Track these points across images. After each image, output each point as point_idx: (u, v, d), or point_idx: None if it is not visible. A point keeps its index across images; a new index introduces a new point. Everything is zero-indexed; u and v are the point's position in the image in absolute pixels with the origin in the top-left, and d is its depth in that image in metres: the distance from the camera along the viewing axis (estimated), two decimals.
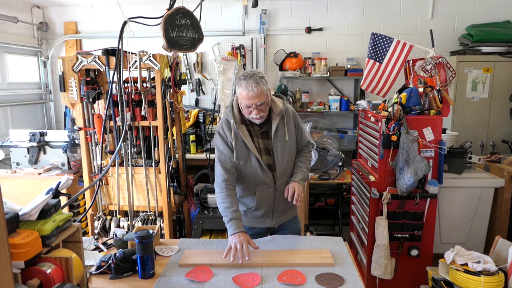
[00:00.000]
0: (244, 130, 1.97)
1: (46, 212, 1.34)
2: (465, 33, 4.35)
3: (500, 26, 4.20)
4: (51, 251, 1.35)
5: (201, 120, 3.91)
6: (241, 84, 1.88)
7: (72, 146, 3.12)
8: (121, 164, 2.84)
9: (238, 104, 1.98)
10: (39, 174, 3.06)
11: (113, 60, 2.65)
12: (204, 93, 4.76)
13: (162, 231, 2.86)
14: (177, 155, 3.10)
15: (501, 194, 2.92)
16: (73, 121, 2.89)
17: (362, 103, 3.14)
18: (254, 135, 2.00)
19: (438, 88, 2.63)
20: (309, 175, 2.11)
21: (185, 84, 3.35)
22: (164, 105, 2.74)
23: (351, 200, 3.39)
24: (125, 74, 2.70)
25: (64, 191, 1.49)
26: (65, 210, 2.41)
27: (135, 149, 2.83)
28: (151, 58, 2.64)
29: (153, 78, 2.75)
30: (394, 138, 2.50)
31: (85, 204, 3.08)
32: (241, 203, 2.09)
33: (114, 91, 2.70)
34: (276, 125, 1.98)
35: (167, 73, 2.78)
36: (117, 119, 2.72)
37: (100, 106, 2.91)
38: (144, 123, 2.76)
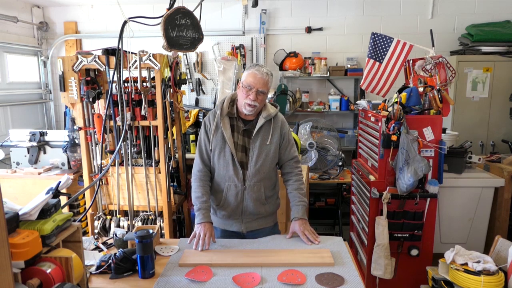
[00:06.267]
0: (226, 123, 2.01)
1: (46, 211, 1.34)
2: (465, 32, 4.35)
3: (500, 26, 4.20)
4: (51, 251, 1.34)
5: (201, 120, 3.90)
6: (253, 67, 1.96)
7: (72, 145, 3.11)
8: (121, 164, 2.83)
9: (231, 99, 2.05)
10: (39, 173, 3.05)
11: (113, 59, 2.65)
12: (204, 93, 4.76)
13: (162, 231, 2.86)
14: (177, 155, 3.10)
15: (501, 194, 2.92)
16: (73, 120, 2.89)
17: (362, 103, 3.14)
18: (236, 130, 2.03)
19: (438, 87, 2.63)
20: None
21: (185, 83, 3.35)
22: (164, 104, 2.74)
23: (351, 200, 3.39)
24: (125, 74, 2.70)
25: (64, 190, 1.49)
26: (65, 210, 2.41)
27: (135, 149, 2.83)
28: (151, 57, 2.64)
29: (153, 78, 2.75)
30: (394, 137, 2.50)
31: (85, 203, 3.08)
32: (212, 200, 2.12)
33: (114, 90, 2.70)
34: (261, 126, 2.00)
35: (167, 73, 2.78)
36: (117, 118, 2.71)
37: (100, 106, 2.91)
38: (144, 123, 2.76)
